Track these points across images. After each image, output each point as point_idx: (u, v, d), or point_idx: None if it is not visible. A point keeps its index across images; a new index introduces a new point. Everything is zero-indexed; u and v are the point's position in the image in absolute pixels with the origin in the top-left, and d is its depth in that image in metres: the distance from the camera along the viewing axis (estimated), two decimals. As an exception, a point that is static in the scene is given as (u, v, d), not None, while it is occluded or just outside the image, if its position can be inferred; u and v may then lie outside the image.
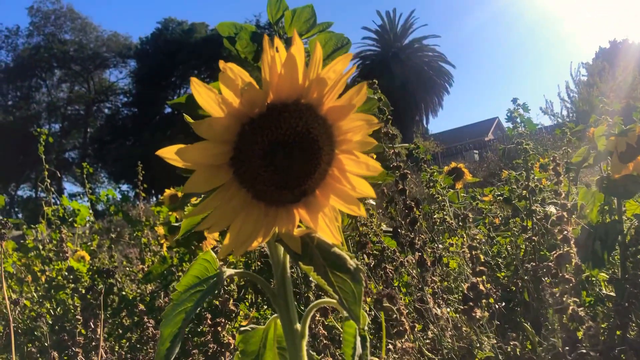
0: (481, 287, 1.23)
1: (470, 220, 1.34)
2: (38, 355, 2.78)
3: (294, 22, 3.29)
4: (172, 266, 3.66)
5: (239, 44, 3.33)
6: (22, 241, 3.71)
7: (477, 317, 1.27)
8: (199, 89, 0.59)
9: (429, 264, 1.93)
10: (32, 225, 4.34)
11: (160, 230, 4.45)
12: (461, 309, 1.30)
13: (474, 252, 1.24)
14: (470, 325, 1.28)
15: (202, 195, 0.71)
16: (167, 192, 4.44)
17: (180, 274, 3.55)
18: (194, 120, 0.72)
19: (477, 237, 1.25)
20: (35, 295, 3.64)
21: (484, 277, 1.23)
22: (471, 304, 1.31)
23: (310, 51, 0.63)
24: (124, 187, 44.76)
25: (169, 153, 0.60)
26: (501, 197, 2.65)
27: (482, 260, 1.25)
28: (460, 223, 1.36)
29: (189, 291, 0.70)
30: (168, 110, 43.30)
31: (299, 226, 0.69)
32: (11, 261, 3.55)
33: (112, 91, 47.96)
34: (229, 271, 0.71)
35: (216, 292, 0.74)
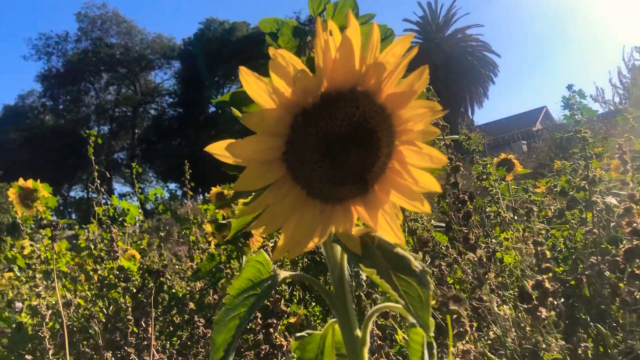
0: (547, 284, 1.15)
1: (535, 213, 1.26)
2: (93, 353, 2.83)
3: (336, 15, 3.20)
4: (220, 263, 3.68)
5: (281, 40, 3.27)
6: (74, 241, 3.79)
7: (543, 316, 1.19)
8: (248, 79, 0.54)
9: (484, 260, 1.85)
10: (84, 225, 4.44)
11: (208, 227, 4.48)
12: (525, 307, 1.23)
13: (539, 248, 1.17)
14: (535, 325, 1.21)
15: (253, 194, 0.67)
16: (214, 190, 4.46)
17: (228, 271, 3.55)
18: (238, 119, 0.68)
19: (542, 232, 1.17)
20: (88, 294, 3.72)
21: (550, 274, 1.15)
22: (536, 302, 1.23)
23: (365, 34, 0.57)
24: (172, 185, 45.64)
25: (218, 149, 0.56)
26: (557, 189, 2.53)
27: (548, 256, 1.17)
28: (524, 217, 1.28)
29: (242, 295, 0.66)
30: (212, 109, 43.93)
31: (357, 225, 0.64)
32: (64, 261, 3.62)
33: (158, 92, 48.98)
34: (283, 273, 0.67)
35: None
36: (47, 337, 1.94)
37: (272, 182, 0.58)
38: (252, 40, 40.65)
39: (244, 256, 3.78)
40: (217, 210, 4.65)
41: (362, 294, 1.42)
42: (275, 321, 1.21)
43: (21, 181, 3.71)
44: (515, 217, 2.93)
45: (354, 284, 1.81)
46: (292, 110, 0.57)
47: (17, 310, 3.47)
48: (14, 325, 3.11)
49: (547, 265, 1.16)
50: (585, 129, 2.23)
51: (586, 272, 2.20)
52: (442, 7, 39.54)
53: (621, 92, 15.90)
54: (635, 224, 1.41)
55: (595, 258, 2.13)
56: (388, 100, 0.61)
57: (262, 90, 0.55)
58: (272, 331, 1.19)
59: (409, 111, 0.62)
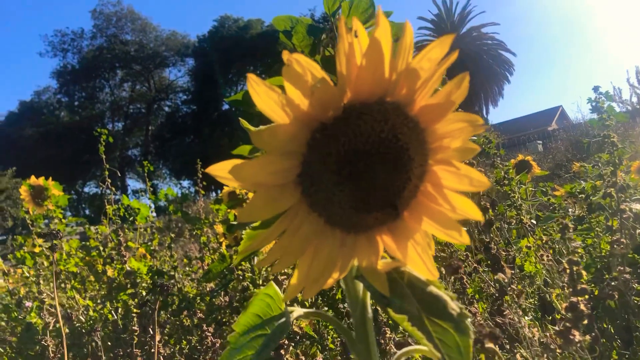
0: (582, 307, 1.06)
1: (571, 230, 1.17)
2: (101, 354, 2.77)
3: (351, 12, 3.08)
4: (232, 264, 3.60)
5: (295, 38, 3.15)
6: (84, 242, 3.74)
7: (576, 340, 1.10)
8: (257, 88, 0.46)
9: (507, 271, 1.75)
10: (95, 224, 4.39)
11: (219, 228, 4.41)
12: (556, 330, 1.13)
13: (575, 268, 1.07)
14: (566, 349, 1.11)
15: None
16: (226, 189, 4.38)
17: (239, 272, 3.48)
18: (249, 119, 0.59)
19: (579, 251, 1.08)
20: (99, 293, 3.66)
21: (586, 296, 1.06)
22: (568, 324, 1.14)
23: (397, 35, 0.48)
24: (185, 182, 45.70)
25: (221, 171, 0.47)
26: (581, 195, 2.42)
27: (585, 278, 1.07)
28: (559, 233, 1.19)
29: (249, 334, 0.57)
30: (226, 106, 43.95)
31: (382, 257, 0.55)
32: (73, 262, 3.57)
33: (172, 89, 49.09)
34: (297, 311, 0.58)
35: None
36: (51, 345, 1.87)
37: (284, 209, 0.49)
38: (267, 38, 40.54)
39: (255, 258, 3.70)
40: (228, 210, 4.58)
41: (386, 329, 1.33)
42: None
43: (33, 179, 3.66)
44: (534, 222, 2.82)
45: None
46: (309, 125, 0.48)
47: (27, 308, 3.42)
48: (23, 325, 3.07)
49: (583, 286, 1.07)
50: (613, 134, 2.12)
51: (612, 283, 2.09)
52: (457, 5, 39.23)
53: (639, 91, 15.63)
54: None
55: (621, 268, 2.03)
56: (421, 113, 0.52)
57: (274, 103, 0.46)
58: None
59: (446, 125, 0.53)
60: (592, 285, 2.28)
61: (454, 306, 0.51)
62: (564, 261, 1.06)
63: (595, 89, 2.28)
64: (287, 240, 0.49)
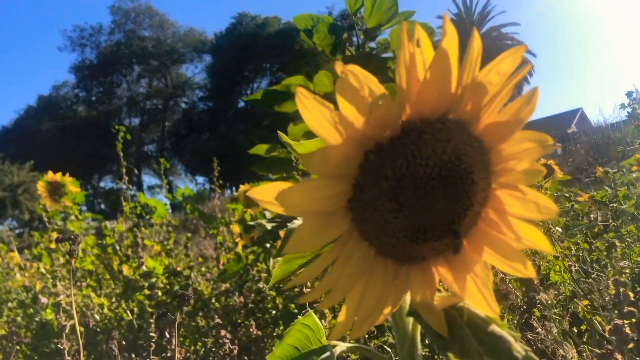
0: (628, 330, 1.00)
1: (617, 249, 1.10)
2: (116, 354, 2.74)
3: (374, 11, 3.01)
4: (247, 265, 3.57)
5: (316, 37, 3.09)
6: (100, 241, 3.72)
7: (619, 364, 1.03)
8: (307, 104, 0.40)
9: (536, 282, 1.69)
10: (109, 221, 4.38)
11: (236, 228, 4.38)
12: (598, 353, 1.07)
13: (621, 290, 1.01)
14: (607, 373, 1.05)
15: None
16: (242, 188, 4.34)
17: (254, 273, 3.45)
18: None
19: (626, 271, 1.02)
20: (116, 291, 3.65)
21: (633, 319, 0.99)
22: (610, 347, 1.07)
23: (468, 48, 0.42)
24: (200, 179, 45.82)
25: (265, 195, 0.42)
26: (614, 204, 2.34)
27: (632, 298, 1.01)
28: (604, 252, 1.12)
29: (285, 369, 0.52)
30: (242, 104, 44.00)
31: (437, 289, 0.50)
32: (89, 260, 3.55)
33: (189, 86, 49.24)
34: (340, 345, 0.53)
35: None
36: (66, 345, 1.84)
37: (333, 239, 0.44)
38: (284, 36, 40.49)
39: (271, 259, 3.67)
40: (245, 210, 4.55)
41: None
42: None
43: (50, 175, 3.65)
44: (560, 229, 2.73)
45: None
46: (363, 145, 0.42)
47: (42, 304, 3.41)
48: (39, 322, 3.06)
49: (631, 309, 1.00)
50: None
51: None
52: (477, 4, 38.83)
53: (662, 95, 15.36)
54: None
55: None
56: (487, 132, 0.46)
57: (326, 120, 0.41)
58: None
59: (512, 146, 0.47)
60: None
61: (519, 348, 0.46)
62: (610, 282, 0.99)
63: (629, 94, 2.21)
64: (336, 273, 0.44)
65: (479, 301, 0.48)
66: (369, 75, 0.40)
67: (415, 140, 0.43)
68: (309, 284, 1.83)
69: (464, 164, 0.45)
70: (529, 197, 0.48)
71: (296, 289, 2.03)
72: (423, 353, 1.08)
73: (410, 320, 0.53)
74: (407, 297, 0.49)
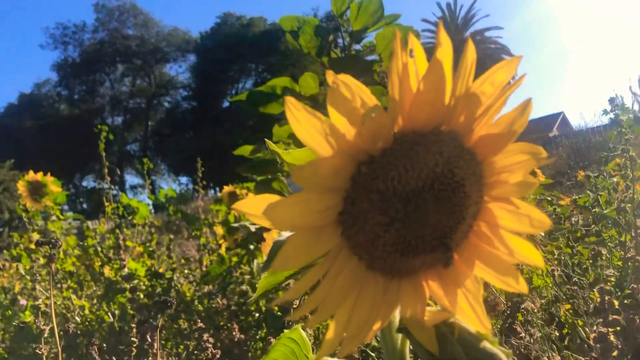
0: (612, 338, 1.00)
1: (604, 257, 1.11)
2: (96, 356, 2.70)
3: (360, 14, 3.00)
4: (231, 267, 3.55)
5: (302, 38, 3.07)
6: (81, 242, 3.67)
7: (603, 372, 1.03)
8: (296, 114, 0.39)
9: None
10: (90, 221, 4.33)
11: (219, 230, 4.34)
12: (582, 361, 1.07)
13: (607, 298, 1.01)
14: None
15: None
16: (226, 189, 4.32)
17: (238, 275, 3.43)
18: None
19: (611, 278, 1.03)
20: (95, 294, 3.60)
21: (617, 327, 1.00)
22: (594, 355, 1.07)
23: (462, 58, 0.41)
24: (183, 179, 45.48)
25: (252, 208, 0.40)
26: (596, 209, 2.36)
27: (617, 306, 1.01)
28: (586, 257, 1.13)
29: (270, 385, 0.50)
30: (227, 104, 43.79)
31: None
32: (70, 261, 3.50)
33: (172, 85, 48.89)
34: (326, 361, 0.51)
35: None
36: (45, 353, 1.81)
37: (323, 254, 0.43)
38: (269, 37, 40.39)
39: (255, 260, 3.64)
40: (229, 211, 4.52)
41: None
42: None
43: (31, 174, 3.59)
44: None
45: None
46: (355, 157, 0.41)
47: (21, 306, 3.35)
48: (17, 324, 3.00)
49: (615, 317, 1.00)
50: (631, 148, 2.06)
51: (625, 301, 2.03)
52: (461, 8, 39.09)
53: (642, 100, 15.63)
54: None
55: (634, 286, 1.97)
56: (480, 145, 0.45)
57: (317, 132, 0.39)
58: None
59: (505, 158, 0.46)
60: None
61: (512, 366, 0.45)
62: (595, 290, 1.00)
63: (611, 100, 2.22)
64: (326, 288, 0.42)
65: (470, 316, 0.47)
66: (361, 85, 0.39)
67: (407, 153, 0.42)
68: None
69: (456, 177, 0.44)
70: (522, 210, 0.48)
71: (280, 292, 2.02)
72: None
73: (400, 336, 0.52)
74: (397, 313, 0.48)
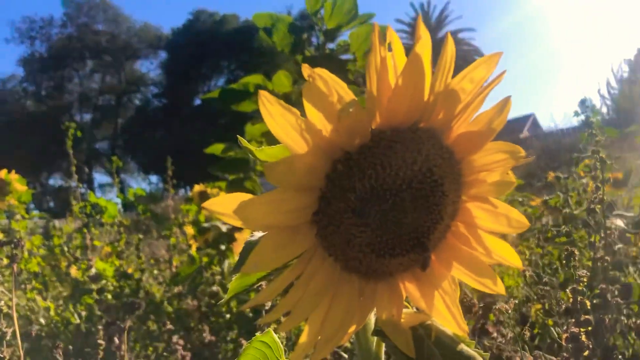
0: (584, 338, 1.00)
1: (577, 257, 1.12)
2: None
3: (334, 13, 2.99)
4: (201, 267, 3.51)
5: (276, 36, 3.05)
6: (47, 242, 3.58)
7: (574, 371, 1.04)
8: (270, 109, 0.37)
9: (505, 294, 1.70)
10: (57, 220, 4.24)
11: (190, 230, 4.28)
12: (554, 360, 1.08)
13: (579, 298, 1.02)
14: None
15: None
16: (197, 188, 4.26)
17: (208, 275, 3.39)
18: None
19: (583, 280, 1.03)
20: (61, 295, 3.52)
21: (589, 328, 1.00)
22: (566, 354, 1.08)
23: (442, 54, 0.40)
24: (153, 178, 44.83)
25: (222, 207, 0.38)
26: (567, 210, 2.39)
27: (588, 306, 1.02)
28: (564, 260, 1.13)
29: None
30: (198, 101, 43.36)
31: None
32: (35, 261, 3.41)
33: (143, 82, 48.18)
34: (300, 365, 0.49)
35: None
36: (7, 357, 1.75)
37: (297, 255, 0.41)
38: (243, 34, 40.07)
39: (226, 261, 3.60)
40: (199, 210, 4.46)
41: None
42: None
43: (-6, 172, 3.49)
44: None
45: None
46: (331, 154, 0.40)
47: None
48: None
49: (587, 317, 1.01)
50: (601, 149, 2.08)
51: (594, 301, 2.06)
52: (434, 8, 39.42)
53: (609, 103, 16.02)
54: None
55: (603, 286, 2.00)
56: (458, 143, 0.44)
57: (291, 127, 0.38)
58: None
59: (484, 157, 0.45)
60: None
61: (489, 369, 0.44)
62: (568, 291, 1.00)
63: (582, 102, 2.24)
64: (300, 290, 0.41)
65: (447, 319, 0.46)
66: (338, 80, 0.38)
67: (385, 151, 0.41)
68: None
69: (434, 176, 0.43)
70: (500, 210, 0.47)
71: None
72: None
73: (375, 338, 0.51)
74: (372, 315, 0.47)
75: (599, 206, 2.04)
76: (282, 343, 0.51)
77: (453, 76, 0.42)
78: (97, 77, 47.57)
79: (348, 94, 0.38)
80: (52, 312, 3.13)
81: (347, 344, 1.82)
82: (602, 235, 2.16)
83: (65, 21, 46.02)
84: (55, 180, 43.79)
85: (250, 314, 2.67)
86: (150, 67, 51.59)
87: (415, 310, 0.48)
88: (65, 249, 3.36)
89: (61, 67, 45.88)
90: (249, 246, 0.43)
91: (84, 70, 46.90)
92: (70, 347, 2.83)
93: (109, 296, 3.02)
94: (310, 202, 0.40)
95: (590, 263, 2.27)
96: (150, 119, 46.03)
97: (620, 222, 2.25)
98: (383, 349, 0.51)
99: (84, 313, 3.01)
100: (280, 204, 0.38)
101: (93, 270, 2.80)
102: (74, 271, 3.42)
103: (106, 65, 47.23)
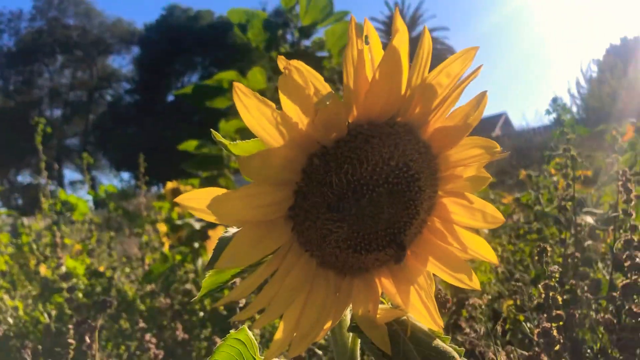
0: (555, 333, 1.02)
1: (548, 253, 1.13)
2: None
3: (309, 9, 2.98)
4: (174, 265, 3.47)
5: (250, 32, 3.03)
6: (15, 240, 3.50)
7: (545, 365, 1.06)
8: (245, 102, 0.36)
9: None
10: (26, 217, 4.15)
11: (162, 227, 4.23)
12: (526, 355, 1.09)
13: (551, 294, 1.03)
14: (534, 374, 1.07)
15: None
16: (169, 185, 4.21)
17: (181, 273, 3.35)
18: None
19: (555, 275, 1.04)
20: (32, 293, 3.45)
21: (561, 322, 1.02)
22: (537, 349, 1.10)
23: (418, 48, 0.40)
24: (125, 175, 44.23)
25: (195, 202, 0.37)
26: (538, 207, 2.43)
27: (560, 301, 1.03)
28: (536, 257, 1.15)
29: (215, 389, 0.47)
30: (172, 97, 42.89)
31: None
32: (3, 259, 3.34)
33: (115, 78, 47.45)
34: (274, 363, 0.49)
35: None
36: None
37: (272, 250, 0.40)
38: (217, 30, 39.75)
39: (199, 259, 3.57)
40: (172, 208, 4.42)
41: None
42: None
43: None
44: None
45: None
46: (307, 148, 0.39)
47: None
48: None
49: (559, 312, 1.02)
50: (572, 147, 2.12)
51: (564, 297, 2.09)
52: (408, 7, 39.66)
53: (578, 102, 16.32)
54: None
55: (573, 282, 2.03)
56: (435, 137, 0.44)
57: (267, 120, 0.37)
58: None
59: (460, 152, 0.45)
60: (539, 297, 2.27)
61: (464, 364, 0.44)
62: (540, 286, 1.01)
63: (554, 100, 2.28)
64: (275, 287, 0.40)
65: (423, 314, 0.46)
66: (315, 72, 0.37)
67: (362, 145, 0.40)
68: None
69: (411, 170, 0.42)
70: (476, 205, 0.47)
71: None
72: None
73: (351, 335, 0.50)
74: (348, 311, 0.46)
75: (570, 203, 2.07)
76: (256, 340, 0.51)
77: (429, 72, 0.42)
78: (68, 73, 46.67)
79: (325, 87, 0.37)
80: (20, 312, 3.07)
81: (322, 341, 1.82)
82: (573, 232, 2.20)
83: (35, 15, 45.04)
84: (24, 177, 42.85)
85: (225, 312, 2.66)
86: (122, 63, 50.90)
87: (390, 305, 0.48)
88: (35, 247, 3.30)
89: (30, 62, 44.91)
90: (223, 242, 0.42)
91: (54, 65, 45.97)
92: (40, 347, 2.77)
93: (80, 295, 2.97)
94: (286, 196, 0.39)
95: (560, 259, 2.31)
96: (123, 115, 45.36)
97: (590, 219, 2.29)
98: (359, 345, 0.50)
99: (53, 312, 2.95)
100: (256, 198, 0.37)
101: (63, 269, 2.75)
102: (43, 269, 3.36)
103: (77, 61, 46.39)
